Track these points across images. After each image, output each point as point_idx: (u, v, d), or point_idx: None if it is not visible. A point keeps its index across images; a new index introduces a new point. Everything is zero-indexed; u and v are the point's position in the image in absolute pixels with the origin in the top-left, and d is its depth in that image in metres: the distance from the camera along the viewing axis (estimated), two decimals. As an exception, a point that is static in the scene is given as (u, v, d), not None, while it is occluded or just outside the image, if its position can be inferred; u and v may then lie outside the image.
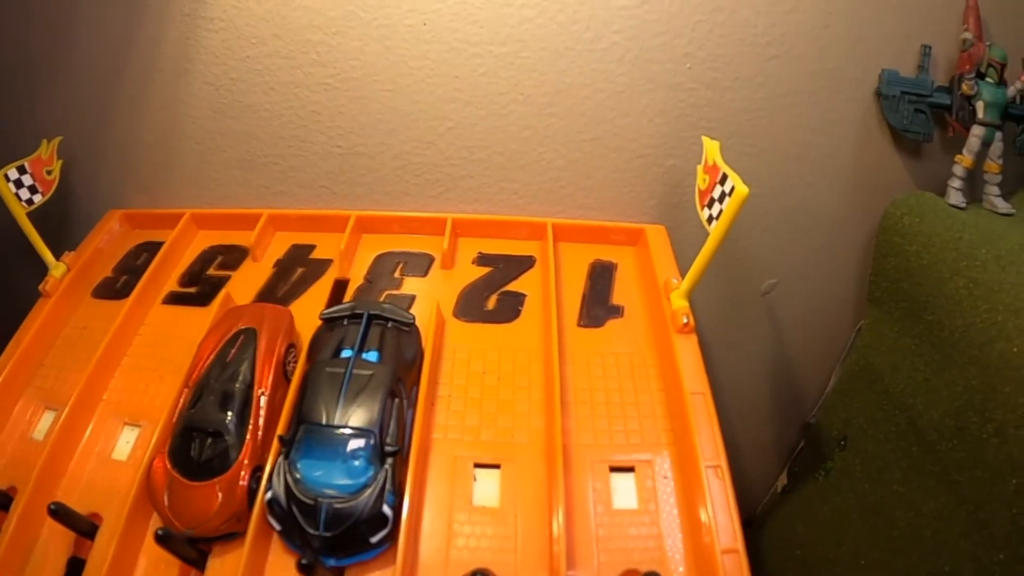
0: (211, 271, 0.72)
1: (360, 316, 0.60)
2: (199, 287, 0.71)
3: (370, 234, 0.75)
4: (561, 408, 0.56)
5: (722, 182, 0.59)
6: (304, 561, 0.42)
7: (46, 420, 0.63)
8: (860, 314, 0.82)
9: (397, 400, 0.54)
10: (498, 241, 0.74)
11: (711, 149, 0.62)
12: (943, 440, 0.66)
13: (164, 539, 0.46)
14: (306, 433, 0.52)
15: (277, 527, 0.50)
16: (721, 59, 0.69)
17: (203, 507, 0.51)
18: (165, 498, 0.52)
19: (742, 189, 0.56)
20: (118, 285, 0.73)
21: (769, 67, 0.69)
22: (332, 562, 0.49)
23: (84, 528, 0.51)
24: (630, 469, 0.57)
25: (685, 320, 0.62)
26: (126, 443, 0.62)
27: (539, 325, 0.66)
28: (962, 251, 0.66)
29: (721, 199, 0.59)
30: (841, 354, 0.87)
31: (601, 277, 0.70)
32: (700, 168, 0.63)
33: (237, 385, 0.56)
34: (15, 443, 0.60)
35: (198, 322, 0.65)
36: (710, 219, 0.60)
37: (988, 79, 0.69)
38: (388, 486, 0.50)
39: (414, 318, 0.59)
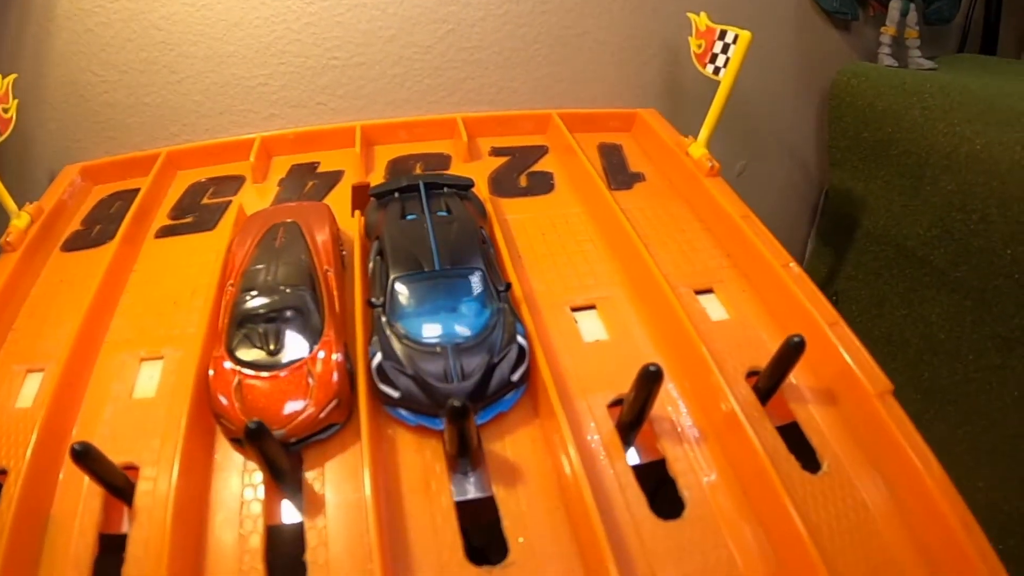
0: (205, 200, 0.54)
1: (413, 188, 0.44)
2: (196, 215, 0.56)
3: (377, 145, 0.65)
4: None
5: (721, 37, 0.59)
6: (456, 404, 0.31)
7: (32, 383, 0.44)
8: (824, 183, 0.81)
9: (484, 245, 0.46)
10: (505, 138, 0.67)
11: (699, 18, 0.61)
12: (934, 249, 0.66)
13: (256, 434, 0.31)
14: (406, 286, 0.41)
15: (395, 394, 0.37)
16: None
17: (293, 399, 0.37)
18: (236, 406, 0.36)
19: (745, 34, 0.56)
20: (93, 234, 0.58)
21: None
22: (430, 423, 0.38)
23: (117, 482, 0.35)
24: (708, 291, 0.50)
25: (711, 164, 0.54)
26: (149, 379, 0.44)
27: (576, 193, 0.60)
28: (909, 91, 0.69)
29: (724, 50, 0.58)
30: (813, 222, 0.82)
31: (612, 154, 0.66)
32: (691, 38, 0.62)
33: (297, 265, 0.41)
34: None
35: (206, 245, 0.53)
36: (717, 70, 0.59)
37: None
38: (513, 319, 0.40)
39: (472, 181, 0.45)
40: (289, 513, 0.35)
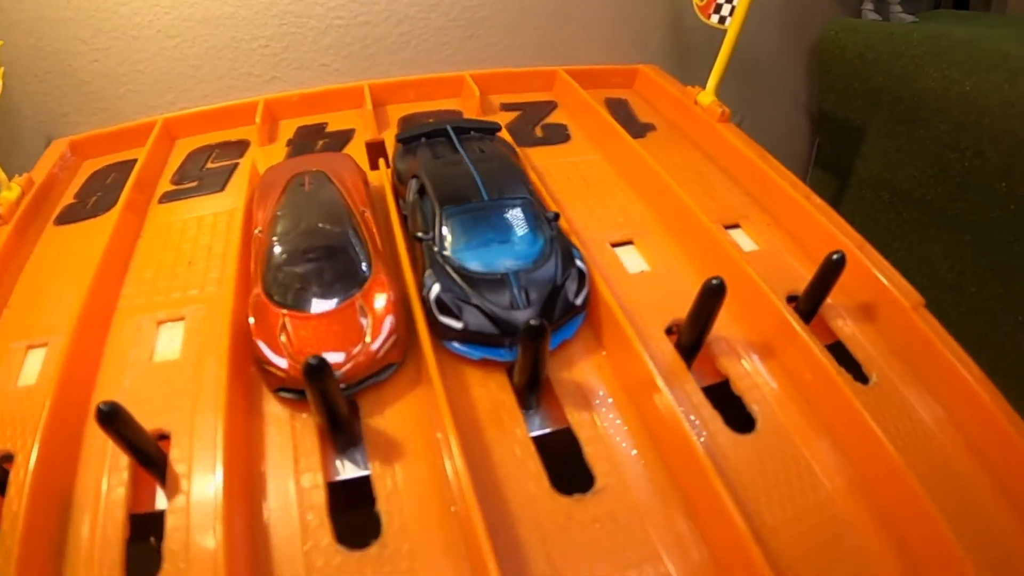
0: (209, 165, 0.49)
1: (440, 133, 0.39)
2: (201, 180, 0.51)
3: (387, 104, 0.61)
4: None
5: None
6: (535, 323, 0.28)
7: (34, 360, 0.38)
8: (815, 134, 0.82)
9: (526, 177, 0.43)
10: (513, 95, 0.64)
11: None
12: (931, 188, 0.67)
13: (317, 370, 0.27)
14: (458, 218, 0.38)
15: (458, 326, 0.34)
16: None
17: (346, 338, 0.33)
18: (285, 352, 0.32)
19: None
20: (89, 206, 0.52)
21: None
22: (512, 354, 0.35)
23: (149, 449, 0.30)
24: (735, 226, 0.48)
25: (721, 110, 0.51)
26: (170, 340, 0.39)
27: (593, 142, 0.58)
28: (898, 40, 0.69)
29: (729, 0, 0.57)
30: (807, 173, 0.81)
31: (619, 107, 0.66)
32: None
33: (333, 206, 0.34)
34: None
35: (218, 205, 0.49)
36: (722, 19, 0.58)
37: None
38: (568, 244, 0.38)
39: (499, 124, 0.42)
40: (351, 464, 0.30)
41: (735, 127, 0.57)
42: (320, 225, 0.37)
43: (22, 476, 0.29)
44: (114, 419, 0.27)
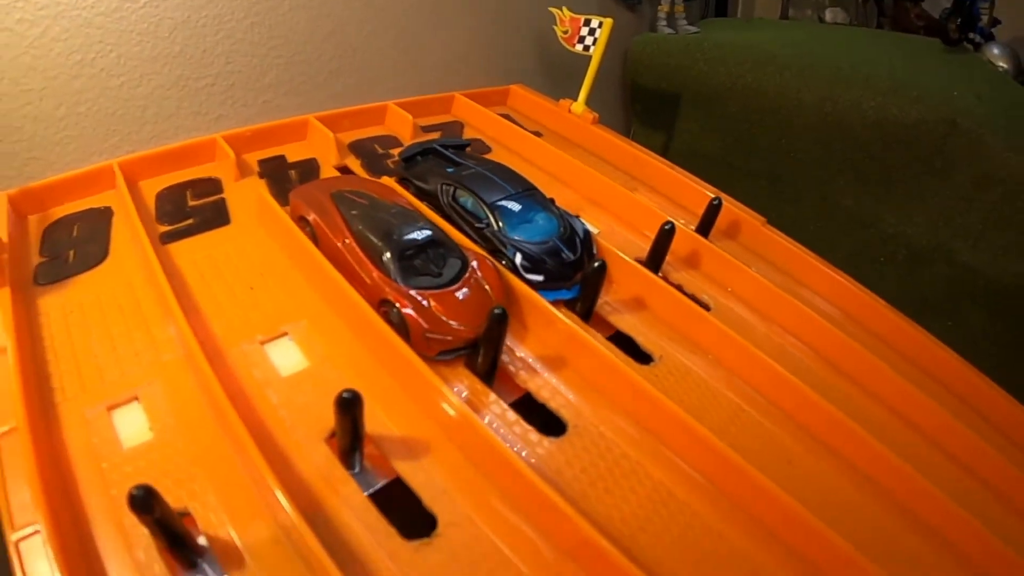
0: (192, 203, 0.56)
1: (431, 150, 0.57)
2: (195, 217, 0.59)
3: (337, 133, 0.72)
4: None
5: (586, 24, 0.82)
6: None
7: (126, 417, 0.40)
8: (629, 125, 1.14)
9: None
10: (427, 118, 0.79)
11: (563, 12, 0.83)
12: (731, 153, 1.03)
13: (500, 318, 0.41)
14: (499, 211, 0.54)
15: (540, 278, 0.51)
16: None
17: (481, 301, 0.47)
18: (453, 323, 0.44)
19: (608, 20, 0.79)
20: (70, 261, 0.53)
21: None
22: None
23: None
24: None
25: (592, 116, 0.77)
26: (285, 356, 0.45)
27: (519, 155, 0.76)
28: (692, 47, 1.02)
29: (591, 33, 0.81)
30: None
31: (508, 119, 0.82)
32: (557, 28, 0.84)
33: (404, 210, 0.52)
34: (105, 463, 0.38)
35: (233, 236, 0.56)
36: (587, 47, 0.82)
37: None
38: (570, 216, 0.57)
39: (469, 141, 0.67)
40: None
41: (606, 129, 0.81)
42: (418, 224, 0.49)
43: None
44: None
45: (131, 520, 0.32)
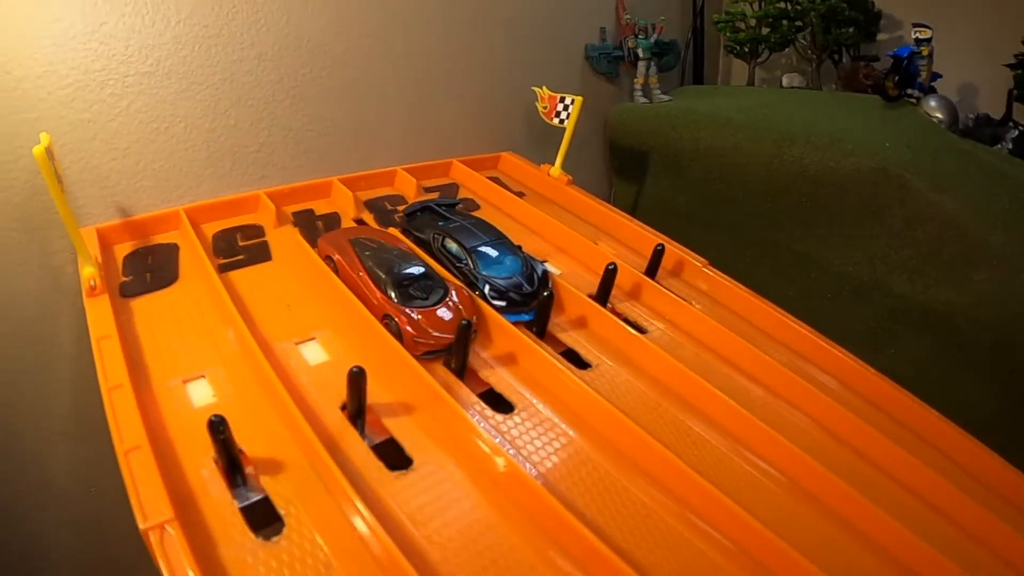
0: (241, 243, 0.74)
1: (428, 208, 0.75)
2: (244, 254, 0.78)
3: (355, 192, 0.92)
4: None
5: (561, 101, 1.03)
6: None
7: (199, 386, 0.58)
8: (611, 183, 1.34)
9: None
10: (430, 180, 1.00)
11: (542, 91, 1.04)
12: (696, 208, 1.19)
13: (466, 328, 0.60)
14: (476, 255, 0.73)
15: (503, 304, 0.70)
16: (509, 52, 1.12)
17: (455, 316, 0.64)
18: (427, 331, 0.62)
19: (579, 98, 1.00)
20: (148, 281, 0.72)
21: (538, 52, 1.16)
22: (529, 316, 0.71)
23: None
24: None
25: (567, 179, 0.96)
26: (314, 353, 0.63)
27: (501, 211, 0.96)
28: (662, 115, 1.22)
29: (565, 108, 1.02)
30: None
31: (497, 181, 0.99)
32: (538, 104, 1.06)
33: (405, 253, 0.69)
34: (182, 415, 0.55)
35: (274, 270, 0.75)
36: (561, 120, 1.03)
37: (640, 36, 1.27)
38: (532, 258, 0.76)
39: (460, 200, 0.87)
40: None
41: (579, 189, 0.99)
42: (412, 262, 0.68)
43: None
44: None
45: (198, 451, 0.51)
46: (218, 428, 0.47)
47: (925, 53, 1.10)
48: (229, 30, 0.80)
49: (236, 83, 0.82)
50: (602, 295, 0.76)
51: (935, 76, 1.17)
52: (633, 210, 1.31)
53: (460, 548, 0.47)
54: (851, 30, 1.25)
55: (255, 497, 0.49)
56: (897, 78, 1.10)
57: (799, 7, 1.27)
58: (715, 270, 0.85)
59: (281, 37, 0.84)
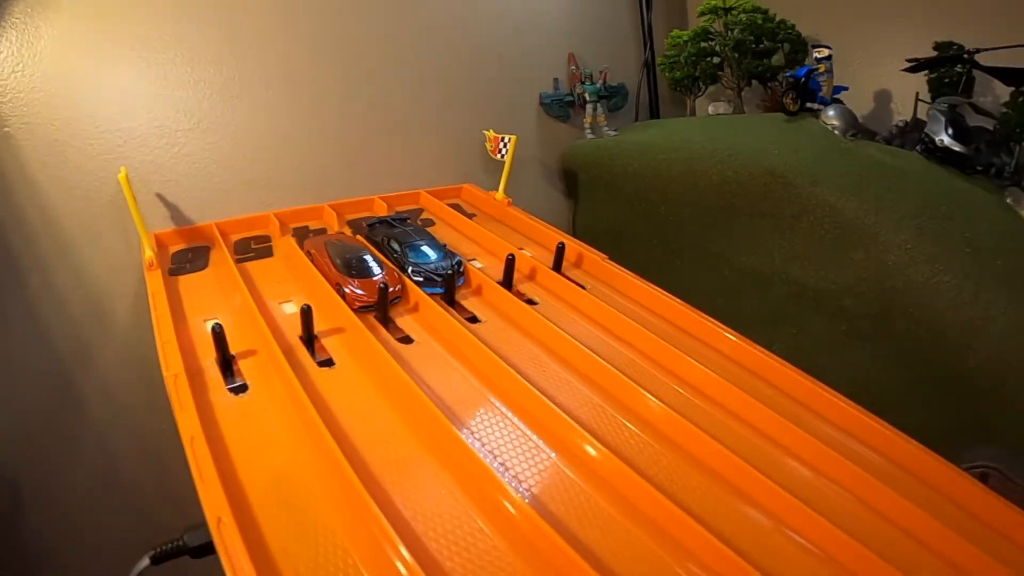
0: (253, 246, 1.08)
1: (384, 221, 1.07)
2: (254, 253, 1.11)
3: (343, 214, 1.29)
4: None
5: (502, 140, 1.35)
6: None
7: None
8: (570, 208, 1.66)
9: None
10: (402, 207, 1.29)
11: (489, 133, 1.39)
12: (630, 224, 1.50)
13: (384, 288, 0.95)
14: (409, 248, 1.06)
15: (421, 279, 1.00)
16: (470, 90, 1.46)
17: (383, 286, 0.98)
18: (361, 292, 0.94)
19: (514, 136, 1.34)
20: (188, 267, 1.03)
21: (502, 92, 1.49)
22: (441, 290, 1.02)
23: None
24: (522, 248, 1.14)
25: (508, 201, 1.27)
26: (291, 308, 0.97)
27: (453, 228, 1.29)
28: (602, 148, 1.54)
29: (505, 146, 1.36)
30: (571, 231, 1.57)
31: (457, 208, 1.29)
32: (487, 144, 1.41)
33: (357, 245, 1.00)
34: (199, 339, 0.83)
35: (275, 262, 1.10)
36: (502, 155, 1.36)
37: (587, 83, 1.60)
38: (453, 252, 1.09)
39: (408, 216, 1.16)
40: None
41: (517, 209, 1.29)
42: (359, 250, 0.99)
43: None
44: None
45: (207, 353, 0.82)
46: (220, 333, 0.80)
47: (823, 70, 1.32)
48: (250, 96, 1.19)
49: (252, 134, 1.20)
50: (507, 280, 1.06)
51: (838, 89, 1.39)
52: (590, 231, 1.60)
53: (359, 416, 0.77)
54: (765, 61, 1.50)
55: (239, 382, 0.81)
56: (795, 95, 1.32)
57: (715, 46, 1.56)
58: (613, 263, 1.12)
59: (286, 100, 1.23)
